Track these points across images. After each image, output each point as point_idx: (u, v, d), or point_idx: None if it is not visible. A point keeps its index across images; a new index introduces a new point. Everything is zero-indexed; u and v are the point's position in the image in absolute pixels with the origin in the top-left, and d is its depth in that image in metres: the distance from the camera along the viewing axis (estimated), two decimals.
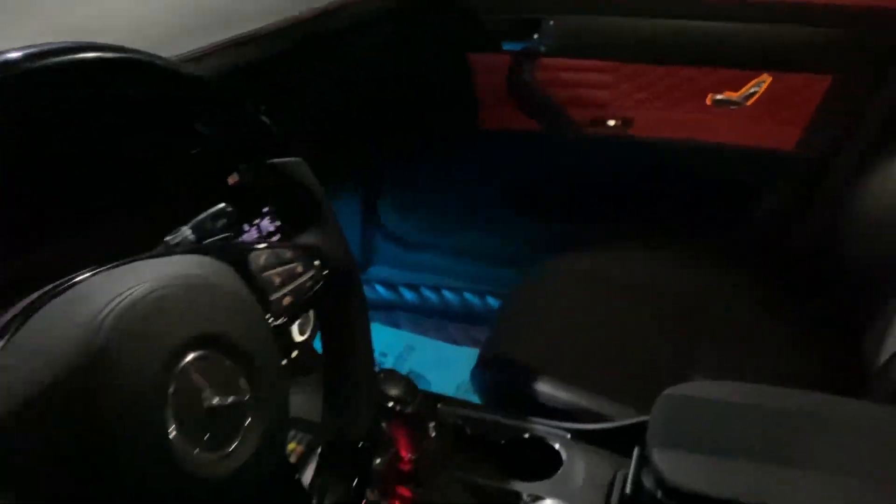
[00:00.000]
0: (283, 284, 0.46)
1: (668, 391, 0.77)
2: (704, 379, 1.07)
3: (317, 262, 0.49)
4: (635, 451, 0.79)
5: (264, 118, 0.48)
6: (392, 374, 0.77)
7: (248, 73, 0.69)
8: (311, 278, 0.49)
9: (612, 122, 1.42)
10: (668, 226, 1.46)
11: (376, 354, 1.60)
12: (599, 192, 1.51)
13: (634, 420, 0.86)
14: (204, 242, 0.50)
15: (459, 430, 0.92)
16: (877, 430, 0.70)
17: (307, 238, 0.50)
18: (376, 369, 0.77)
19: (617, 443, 0.86)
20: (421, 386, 1.53)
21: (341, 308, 0.54)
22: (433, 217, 1.69)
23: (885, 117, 1.24)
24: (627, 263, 1.30)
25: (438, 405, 0.92)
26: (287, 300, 0.47)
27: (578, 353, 1.08)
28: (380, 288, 1.77)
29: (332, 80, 1.23)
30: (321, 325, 0.55)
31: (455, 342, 1.65)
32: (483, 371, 1.07)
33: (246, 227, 0.56)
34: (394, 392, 0.75)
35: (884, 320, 1.08)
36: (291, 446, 0.94)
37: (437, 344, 1.64)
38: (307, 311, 0.51)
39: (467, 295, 1.70)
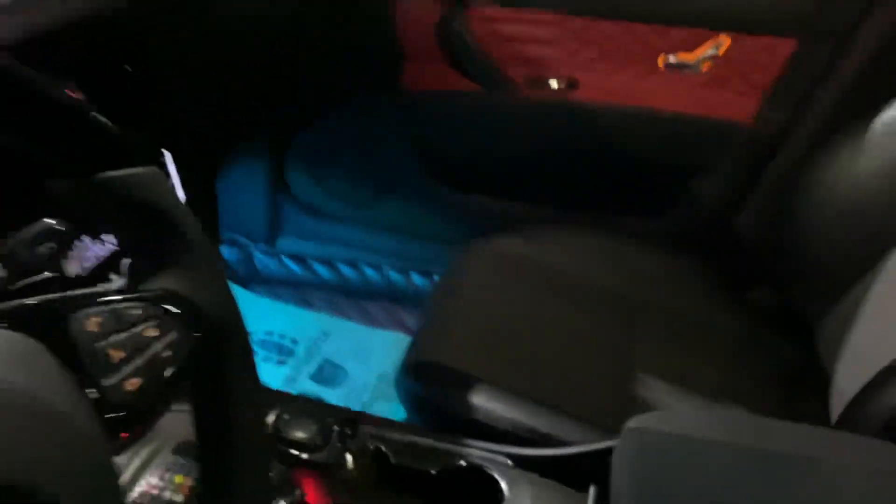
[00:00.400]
0: (127, 359, 0.32)
1: (631, 424, 0.67)
2: (646, 381, 1.01)
3: (180, 319, 0.35)
4: (591, 491, 0.70)
5: (96, 114, 0.32)
6: (300, 412, 0.64)
7: (97, 27, 0.53)
8: (171, 345, 0.34)
9: (554, 84, 1.30)
10: (608, 204, 1.37)
11: (286, 341, 1.47)
12: (537, 165, 1.40)
13: (585, 448, 0.77)
14: (14, 286, 0.35)
15: (382, 457, 0.80)
16: (875, 471, 0.62)
17: (166, 282, 0.35)
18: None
19: (566, 471, 0.76)
20: (340, 378, 1.42)
21: (219, 380, 0.39)
22: (349, 185, 1.54)
23: (846, 91, 1.17)
24: (564, 248, 1.23)
25: (357, 425, 0.79)
26: (132, 384, 0.32)
27: (515, 360, 0.98)
28: (289, 262, 1.62)
29: (231, 26, 1.05)
30: (191, 402, 0.41)
31: (377, 325, 1.52)
32: (409, 380, 0.95)
33: (80, 252, 0.40)
34: (300, 436, 0.62)
35: (839, 316, 1.03)
36: (178, 479, 0.80)
37: (356, 328, 1.51)
38: (169, 396, 0.36)
39: (390, 272, 1.56)
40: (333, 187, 1.55)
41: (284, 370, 1.40)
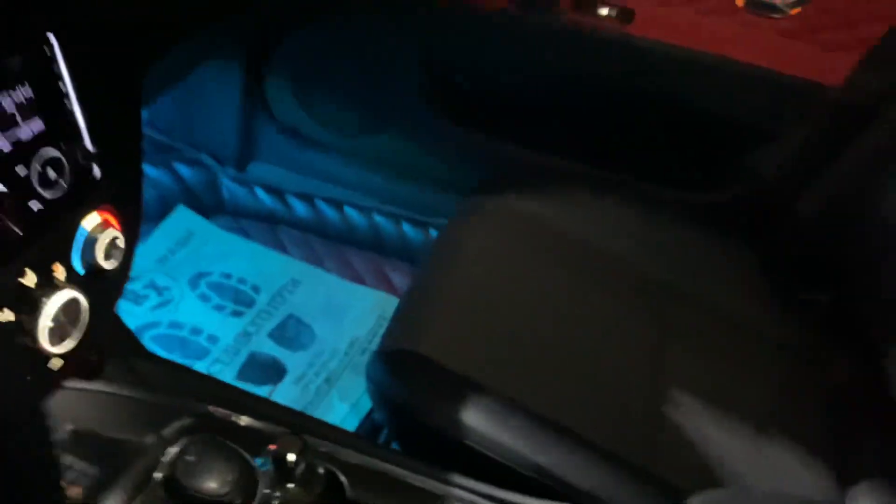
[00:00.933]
0: None
1: None
2: (679, 399, 0.86)
3: None
4: None
5: None
6: (212, 447, 0.45)
7: None
8: None
9: (605, 11, 1.08)
10: (648, 167, 1.17)
11: (247, 287, 1.28)
12: (568, 109, 1.18)
13: None
14: None
15: (335, 486, 0.62)
16: None
17: None
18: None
19: None
20: (304, 339, 1.23)
21: None
22: (340, 108, 1.32)
23: None
24: (590, 215, 1.08)
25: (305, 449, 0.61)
26: None
27: (520, 360, 0.82)
28: (262, 193, 1.41)
29: None
30: None
31: (357, 279, 1.33)
32: (380, 368, 0.76)
33: None
34: (212, 488, 0.43)
35: None
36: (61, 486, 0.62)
37: (331, 280, 1.32)
38: None
39: (378, 217, 1.37)
40: (321, 109, 1.33)
41: (239, 323, 1.21)
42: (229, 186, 1.42)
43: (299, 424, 0.67)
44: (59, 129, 0.49)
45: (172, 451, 0.45)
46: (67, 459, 0.64)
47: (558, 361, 0.84)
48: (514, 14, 1.11)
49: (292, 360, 1.18)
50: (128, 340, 0.70)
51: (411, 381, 0.75)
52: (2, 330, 0.45)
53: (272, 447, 0.56)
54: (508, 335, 0.85)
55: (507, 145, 1.22)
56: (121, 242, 0.54)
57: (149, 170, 1.36)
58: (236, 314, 1.23)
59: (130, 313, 1.18)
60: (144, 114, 1.43)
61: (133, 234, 0.58)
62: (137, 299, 1.21)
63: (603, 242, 1.04)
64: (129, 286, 1.22)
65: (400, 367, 0.76)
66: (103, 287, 0.55)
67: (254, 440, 0.65)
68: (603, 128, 1.20)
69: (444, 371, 0.75)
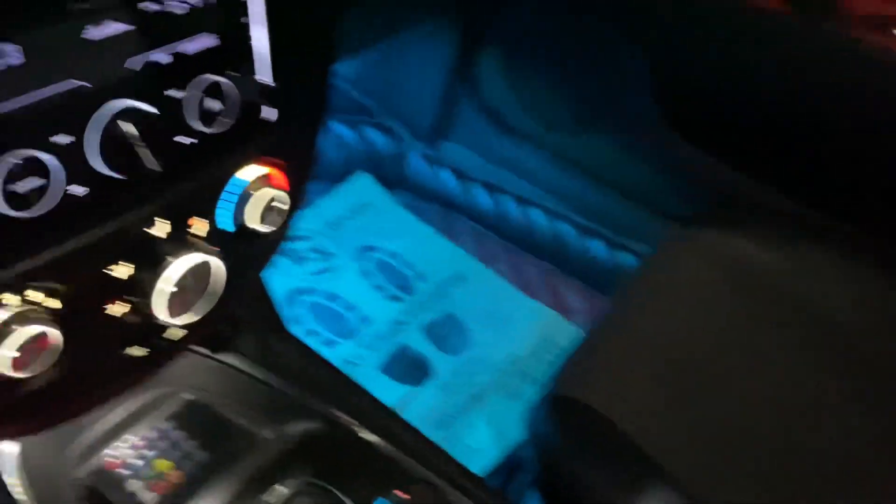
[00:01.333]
0: None
1: None
2: None
3: None
4: None
5: None
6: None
7: None
8: None
9: None
10: None
11: (410, 272, 1.19)
12: (830, 147, 0.98)
13: None
14: None
15: None
16: None
17: None
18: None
19: None
20: (458, 342, 1.13)
21: None
22: (553, 98, 1.19)
23: None
24: (825, 276, 0.90)
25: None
26: None
27: (713, 450, 0.66)
28: (447, 175, 1.33)
29: None
30: None
31: (527, 289, 1.21)
32: (548, 422, 0.63)
33: None
34: None
35: None
36: (161, 465, 0.55)
37: (500, 284, 1.21)
38: None
39: (565, 226, 1.24)
40: (533, 96, 1.22)
41: (394, 309, 1.13)
42: (415, 162, 1.34)
43: (429, 459, 0.55)
44: (233, 51, 0.40)
45: (281, 491, 0.35)
46: (176, 434, 0.57)
47: (759, 451, 0.68)
48: (785, 16, 0.92)
49: (442, 363, 1.08)
50: (269, 315, 0.63)
51: (580, 443, 0.62)
52: (111, 286, 0.37)
53: (399, 493, 0.45)
54: (706, 409, 0.69)
55: (741, 175, 1.04)
56: (282, 205, 0.45)
57: (338, 127, 1.32)
58: (394, 298, 1.15)
59: (288, 273, 1.13)
60: (347, 69, 1.36)
61: (297, 197, 0.49)
62: (299, 260, 1.16)
63: (836, 310, 0.85)
64: (291, 244, 1.18)
65: (570, 421, 0.63)
66: (249, 253, 0.46)
67: (376, 469, 0.55)
68: (867, 178, 0.98)
69: (621, 440, 0.61)
